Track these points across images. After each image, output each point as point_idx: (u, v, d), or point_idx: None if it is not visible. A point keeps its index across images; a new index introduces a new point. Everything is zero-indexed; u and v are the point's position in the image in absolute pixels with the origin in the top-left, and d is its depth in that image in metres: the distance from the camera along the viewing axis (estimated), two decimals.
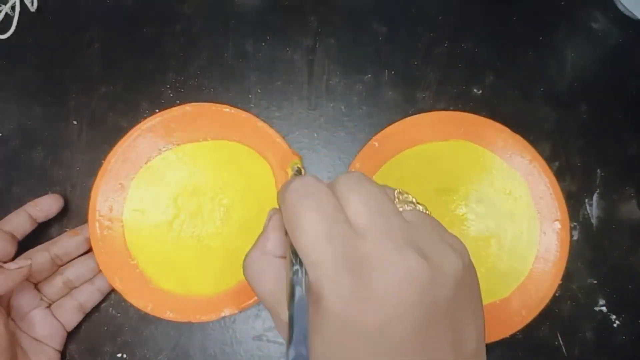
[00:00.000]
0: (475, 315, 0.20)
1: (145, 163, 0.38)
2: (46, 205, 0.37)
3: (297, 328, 0.16)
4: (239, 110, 0.39)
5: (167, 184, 0.38)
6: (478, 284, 0.22)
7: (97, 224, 0.37)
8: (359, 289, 0.17)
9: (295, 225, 0.19)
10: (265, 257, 0.22)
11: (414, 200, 0.22)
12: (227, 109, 0.39)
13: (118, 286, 0.36)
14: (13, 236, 0.35)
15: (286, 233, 0.20)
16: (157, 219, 0.38)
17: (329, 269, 0.18)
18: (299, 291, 0.18)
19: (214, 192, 0.38)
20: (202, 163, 0.39)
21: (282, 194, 0.20)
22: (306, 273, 0.19)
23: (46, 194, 0.37)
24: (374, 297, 0.17)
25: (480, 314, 0.21)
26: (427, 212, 0.22)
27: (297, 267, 0.19)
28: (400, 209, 0.21)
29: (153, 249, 0.38)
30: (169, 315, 0.36)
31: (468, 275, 0.20)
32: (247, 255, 0.23)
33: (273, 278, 0.21)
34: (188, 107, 0.39)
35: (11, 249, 0.34)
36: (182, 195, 0.38)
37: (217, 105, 0.39)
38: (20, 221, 0.36)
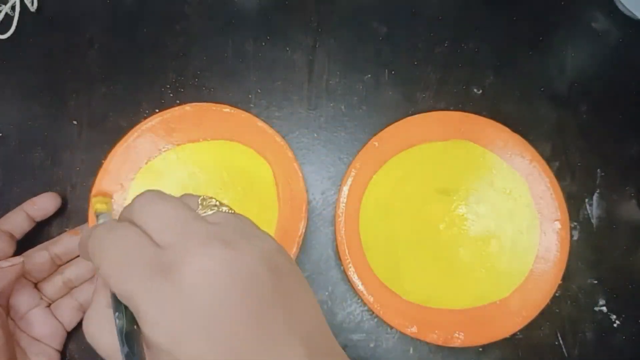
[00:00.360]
0: (309, 302, 0.21)
1: (145, 163, 0.38)
2: (44, 204, 0.37)
3: None
4: (238, 110, 0.39)
5: (167, 184, 0.38)
6: (297, 271, 0.22)
7: None
8: (171, 290, 0.18)
9: (101, 266, 0.19)
10: (100, 312, 0.21)
11: (217, 203, 0.22)
12: (226, 109, 0.39)
13: None
14: (12, 235, 0.35)
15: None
16: None
17: (138, 284, 0.18)
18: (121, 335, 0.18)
19: (214, 192, 0.38)
20: (202, 163, 0.39)
21: (86, 247, 0.21)
22: (126, 309, 0.19)
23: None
24: (188, 291, 0.18)
25: (314, 302, 0.21)
26: (232, 211, 0.23)
27: (117, 312, 0.19)
28: (204, 214, 0.21)
29: None
30: None
31: (281, 260, 0.21)
32: (84, 316, 0.22)
33: (111, 330, 0.20)
34: (188, 107, 0.39)
35: (9, 248, 0.34)
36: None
37: (217, 105, 0.39)
38: (18, 220, 0.36)
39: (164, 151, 0.39)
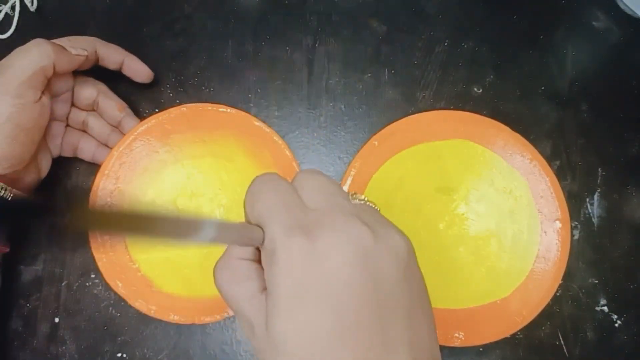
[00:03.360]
0: (426, 311, 0.21)
1: (143, 166, 0.38)
2: (135, 65, 0.38)
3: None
4: (235, 109, 0.39)
5: (166, 186, 0.38)
6: (423, 280, 0.22)
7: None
8: (307, 248, 0.19)
9: (255, 201, 0.21)
10: (232, 262, 0.22)
11: (365, 198, 0.24)
12: (222, 108, 0.39)
13: (121, 291, 0.36)
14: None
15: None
16: None
17: (282, 229, 0.19)
18: None
19: (212, 192, 0.38)
20: (200, 164, 0.39)
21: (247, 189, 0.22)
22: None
23: (45, 195, 0.37)
24: (321, 254, 0.19)
25: (431, 310, 0.22)
26: (377, 208, 0.24)
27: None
28: (352, 200, 0.23)
29: (154, 251, 0.37)
30: (173, 318, 0.36)
31: (413, 263, 0.21)
32: (216, 264, 0.23)
33: (245, 279, 0.21)
34: (184, 108, 0.39)
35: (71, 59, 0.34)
36: (181, 196, 0.38)
37: (213, 105, 0.39)
38: (85, 43, 0.36)
39: (161, 153, 0.39)
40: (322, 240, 0.19)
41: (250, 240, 0.20)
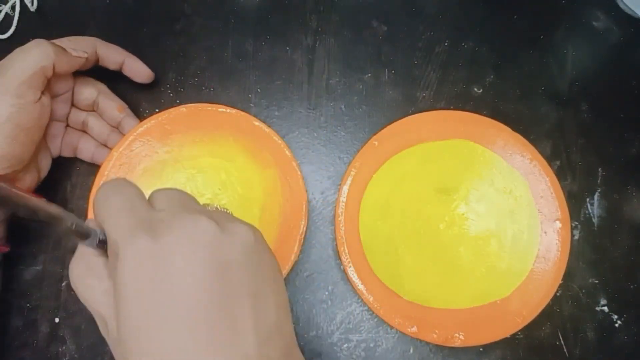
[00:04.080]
0: (275, 290, 0.22)
1: (142, 166, 0.38)
2: (135, 65, 0.38)
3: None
4: (234, 109, 0.39)
5: (166, 186, 0.38)
6: (274, 263, 0.23)
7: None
8: (151, 246, 0.19)
9: (100, 205, 0.21)
10: (88, 256, 0.22)
11: (216, 205, 0.26)
12: (222, 108, 0.39)
13: None
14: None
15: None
16: None
17: (125, 229, 0.19)
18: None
19: (212, 193, 0.38)
20: (200, 164, 0.39)
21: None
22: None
23: (45, 193, 0.37)
24: (166, 252, 0.19)
25: (282, 290, 0.22)
26: (230, 212, 0.25)
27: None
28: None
29: None
30: None
31: (261, 249, 0.22)
32: (72, 259, 0.23)
33: (99, 275, 0.21)
34: (183, 109, 0.39)
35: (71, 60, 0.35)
36: None
37: (212, 105, 0.39)
38: (85, 44, 0.36)
39: (161, 153, 0.39)
40: (166, 237, 0.19)
41: (82, 237, 0.21)
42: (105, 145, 0.39)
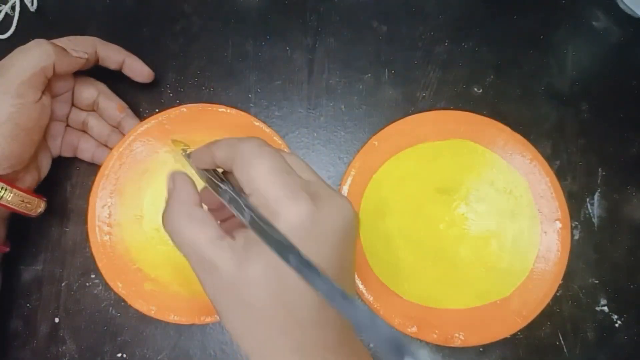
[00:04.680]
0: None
1: (142, 166, 0.38)
2: (135, 65, 0.38)
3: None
4: (234, 109, 0.39)
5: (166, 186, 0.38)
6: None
7: (97, 230, 0.37)
8: (313, 211, 0.21)
9: (254, 163, 0.22)
10: (188, 206, 0.24)
11: None
12: (222, 109, 0.39)
13: (121, 291, 0.36)
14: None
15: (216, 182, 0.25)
16: (157, 222, 0.38)
17: (289, 191, 0.21)
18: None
19: None
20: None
21: (235, 146, 0.24)
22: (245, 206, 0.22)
23: (45, 193, 0.37)
24: (322, 219, 0.22)
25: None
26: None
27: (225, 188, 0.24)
28: None
29: (154, 252, 0.37)
30: (173, 318, 0.36)
31: (356, 220, 0.25)
32: (166, 210, 0.24)
33: (204, 224, 0.23)
34: (183, 109, 0.39)
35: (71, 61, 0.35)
36: None
37: (212, 105, 0.39)
38: (85, 44, 0.36)
39: (161, 153, 0.39)
40: (324, 207, 0.22)
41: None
42: (106, 145, 0.39)
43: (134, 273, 0.37)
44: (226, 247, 0.22)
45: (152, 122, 0.38)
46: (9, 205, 0.32)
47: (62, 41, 0.35)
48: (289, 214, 0.21)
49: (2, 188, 0.31)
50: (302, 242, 0.21)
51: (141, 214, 0.38)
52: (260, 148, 0.23)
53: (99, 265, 0.36)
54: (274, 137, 0.38)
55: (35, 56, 0.32)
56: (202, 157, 0.26)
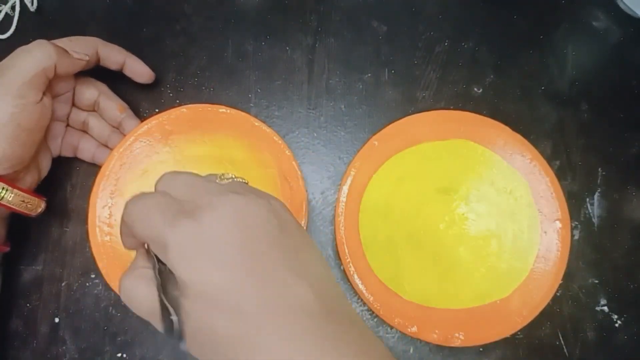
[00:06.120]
0: (314, 253, 0.23)
1: (143, 167, 0.38)
2: (136, 66, 0.38)
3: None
4: (235, 110, 0.39)
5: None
6: (302, 227, 0.25)
7: (97, 230, 0.37)
8: (193, 225, 0.20)
9: (133, 220, 0.22)
10: (135, 272, 0.23)
11: (232, 175, 0.25)
12: (222, 109, 0.39)
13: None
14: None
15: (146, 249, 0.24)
16: None
17: (164, 225, 0.21)
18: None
19: None
20: (200, 165, 0.39)
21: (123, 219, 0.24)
22: (158, 261, 0.22)
23: (45, 193, 0.37)
24: (208, 228, 0.20)
25: (320, 255, 0.24)
26: (245, 181, 0.26)
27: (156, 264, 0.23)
28: (220, 183, 0.25)
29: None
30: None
31: (288, 215, 0.23)
32: (121, 278, 0.24)
33: (144, 287, 0.23)
34: (184, 109, 0.39)
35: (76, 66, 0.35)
36: None
37: (213, 105, 0.39)
38: (86, 44, 0.36)
39: (161, 154, 0.39)
40: (205, 218, 0.21)
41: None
42: (106, 146, 0.39)
43: None
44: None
45: (152, 122, 0.38)
46: (9, 205, 0.32)
47: (63, 41, 0.35)
48: (172, 242, 0.20)
49: (2, 188, 0.31)
50: (194, 260, 0.20)
51: None
52: (133, 206, 0.23)
53: (99, 265, 0.36)
54: (274, 137, 0.38)
55: (37, 57, 0.32)
56: (127, 243, 0.26)
